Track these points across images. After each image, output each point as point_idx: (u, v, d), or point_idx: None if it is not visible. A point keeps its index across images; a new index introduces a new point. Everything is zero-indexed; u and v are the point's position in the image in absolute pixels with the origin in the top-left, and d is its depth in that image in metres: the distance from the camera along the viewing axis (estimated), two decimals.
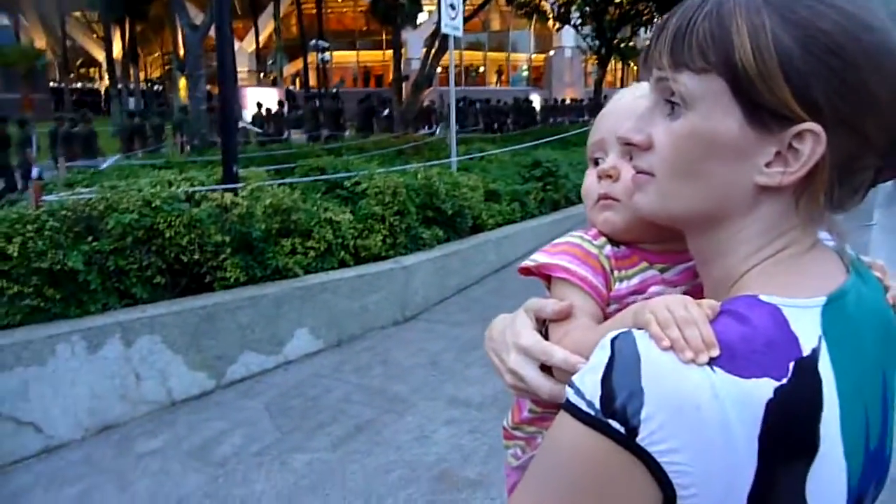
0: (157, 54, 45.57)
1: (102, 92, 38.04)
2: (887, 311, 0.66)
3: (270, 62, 38.26)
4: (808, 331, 0.56)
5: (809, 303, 0.58)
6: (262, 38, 39.00)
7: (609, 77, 31.29)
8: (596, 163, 0.80)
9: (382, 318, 5.06)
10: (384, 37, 33.13)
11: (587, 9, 21.67)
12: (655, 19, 21.26)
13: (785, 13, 0.55)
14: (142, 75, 39.15)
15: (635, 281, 0.74)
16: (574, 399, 0.56)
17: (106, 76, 31.79)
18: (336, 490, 3.05)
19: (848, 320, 0.59)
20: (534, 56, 42.50)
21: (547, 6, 23.49)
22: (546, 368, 0.68)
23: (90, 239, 3.85)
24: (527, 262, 0.78)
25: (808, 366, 0.55)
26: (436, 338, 4.88)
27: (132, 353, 3.79)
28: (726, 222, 0.62)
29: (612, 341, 0.56)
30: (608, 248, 0.76)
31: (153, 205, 4.03)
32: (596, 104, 21.54)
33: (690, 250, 0.68)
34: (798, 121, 0.56)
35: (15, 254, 3.51)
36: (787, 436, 0.53)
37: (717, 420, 0.52)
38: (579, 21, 22.82)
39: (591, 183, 0.79)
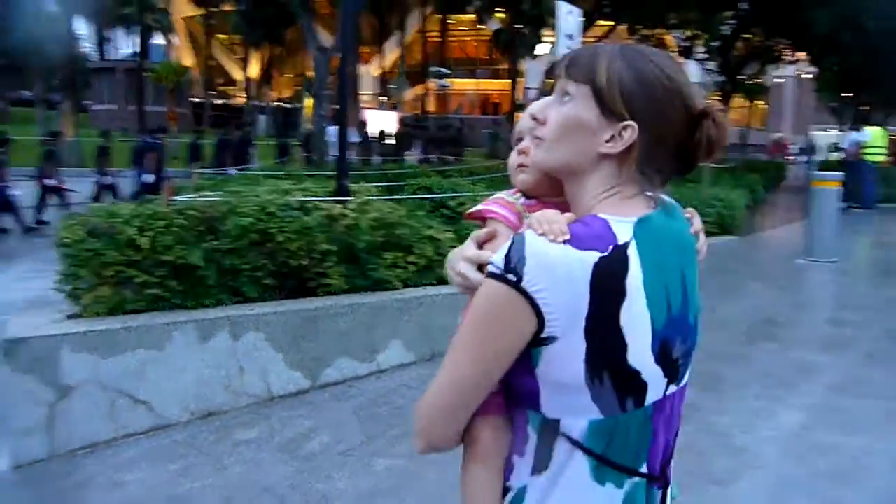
0: (289, 75, 48.38)
1: (240, 108, 40.70)
2: (686, 234, 1.07)
3: (393, 87, 39.66)
4: (623, 233, 0.94)
5: (626, 220, 0.96)
6: (386, 64, 40.54)
7: (732, 115, 30.13)
8: (517, 145, 1.20)
9: None
10: (504, 66, 33.63)
11: (714, 44, 21.06)
12: (786, 56, 20.33)
13: (630, 62, 0.99)
14: (274, 94, 41.64)
15: None
16: (490, 268, 0.94)
17: (243, 93, 34.11)
18: (413, 495, 3.12)
19: (651, 231, 0.97)
20: None
21: (671, 40, 23.04)
22: (481, 271, 1.01)
23: (210, 238, 4.16)
24: (470, 210, 1.19)
25: (621, 249, 0.93)
26: None
27: (238, 347, 4.05)
28: (581, 175, 1.02)
29: (513, 237, 0.95)
30: (522, 199, 1.16)
31: (268, 210, 4.31)
32: None
33: (566, 194, 1.06)
34: (625, 119, 0.97)
35: (146, 246, 3.86)
36: (605, 284, 0.91)
37: (566, 272, 0.90)
38: (705, 56, 22.21)
39: (513, 157, 1.20)
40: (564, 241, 0.91)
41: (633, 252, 0.94)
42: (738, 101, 29.11)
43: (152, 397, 3.81)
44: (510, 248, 0.93)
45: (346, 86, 5.45)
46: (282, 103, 40.45)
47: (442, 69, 28.26)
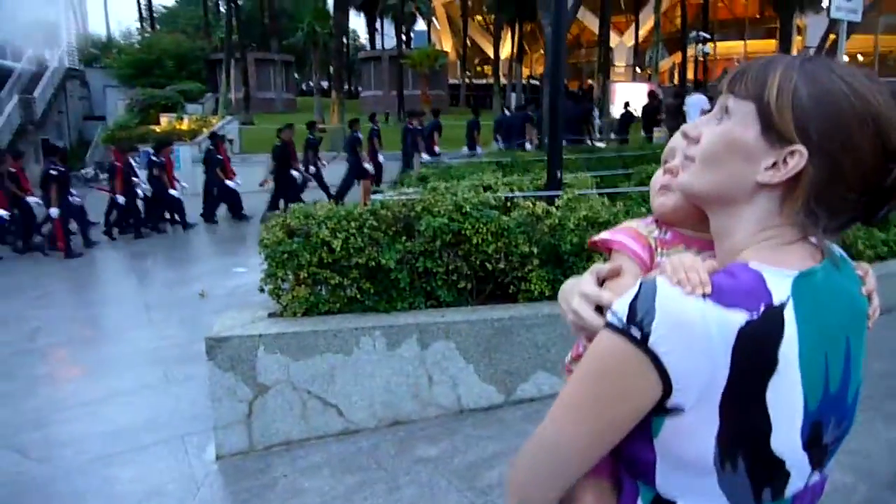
0: (542, 52, 48.28)
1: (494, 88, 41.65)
2: (856, 294, 0.89)
3: (648, 56, 37.47)
4: (780, 290, 0.81)
5: (785, 273, 0.82)
6: (641, 33, 38.40)
7: None
8: (665, 162, 1.03)
9: None
10: (777, 25, 29.76)
11: None
12: None
13: (811, 76, 0.83)
14: (526, 72, 41.83)
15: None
16: (610, 318, 0.82)
17: (499, 72, 34.72)
18: None
19: (814, 290, 0.83)
20: None
21: None
22: (599, 311, 0.92)
23: (405, 239, 4.00)
24: (595, 238, 1.08)
25: (776, 309, 0.79)
26: None
27: (427, 356, 3.85)
28: (732, 208, 0.87)
29: (641, 283, 0.82)
30: (656, 233, 1.05)
31: (463, 210, 4.03)
32: None
33: (711, 230, 0.92)
34: (794, 142, 0.81)
35: (338, 248, 3.81)
36: (752, 353, 0.78)
37: (703, 334, 0.77)
38: None
39: (657, 176, 1.06)
40: (704, 296, 0.78)
41: (790, 315, 0.80)
42: None
43: (341, 401, 3.77)
44: (637, 295, 0.80)
45: (559, 60, 4.95)
46: (533, 80, 40.47)
47: (702, 33, 25.86)
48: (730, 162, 0.86)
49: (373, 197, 4.39)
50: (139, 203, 12.54)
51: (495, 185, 4.62)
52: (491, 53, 47.43)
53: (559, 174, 4.78)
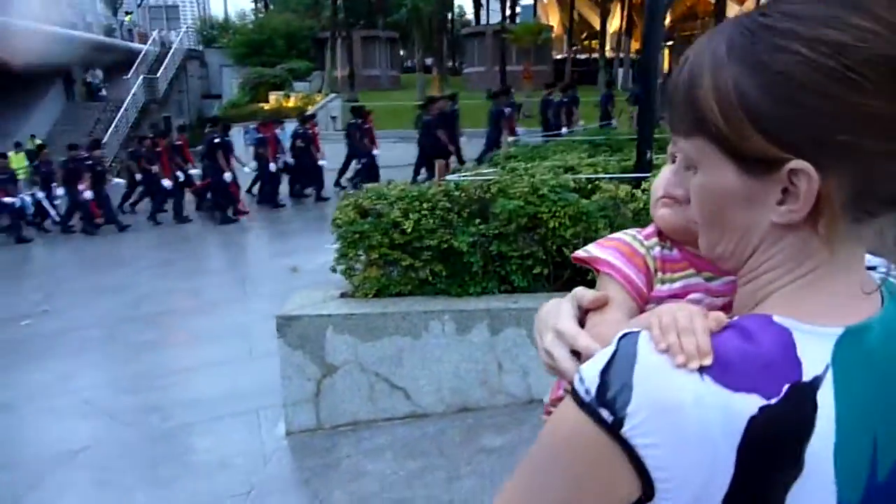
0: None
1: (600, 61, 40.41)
2: None
3: None
4: (815, 357, 0.57)
5: (825, 331, 0.58)
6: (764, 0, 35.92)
7: None
8: (674, 159, 0.76)
9: None
10: None
11: None
12: None
13: (747, 59, 0.57)
14: (635, 45, 40.25)
15: (678, 285, 0.77)
16: (577, 385, 0.59)
17: (606, 47, 33.56)
18: None
19: (868, 354, 0.59)
20: None
21: None
22: (577, 352, 0.70)
23: (478, 221, 3.88)
24: (580, 252, 0.82)
25: (804, 391, 0.56)
26: None
27: (497, 342, 3.73)
28: (754, 255, 0.63)
29: (621, 338, 0.60)
30: (657, 249, 0.79)
31: (540, 193, 3.85)
32: None
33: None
34: (785, 160, 0.57)
35: (409, 229, 3.74)
36: (768, 452, 0.55)
37: (697, 424, 0.55)
38: None
39: (661, 178, 0.80)
40: (702, 370, 0.55)
41: (826, 396, 0.56)
42: None
43: (408, 385, 3.73)
44: (611, 361, 0.59)
45: (654, 30, 4.63)
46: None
47: None
48: (731, 216, 0.63)
49: (447, 177, 4.29)
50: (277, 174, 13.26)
51: (578, 166, 4.40)
52: (598, 27, 45.98)
53: (649, 155, 4.49)
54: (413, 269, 3.85)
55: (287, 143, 13.59)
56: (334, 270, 3.94)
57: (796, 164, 0.56)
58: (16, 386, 4.93)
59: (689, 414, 0.55)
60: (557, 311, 0.74)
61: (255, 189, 13.38)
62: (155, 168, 12.52)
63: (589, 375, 0.59)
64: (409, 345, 3.69)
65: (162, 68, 27.22)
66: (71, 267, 9.82)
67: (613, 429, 0.57)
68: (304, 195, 13.45)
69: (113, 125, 22.81)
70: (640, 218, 3.93)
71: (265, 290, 7.27)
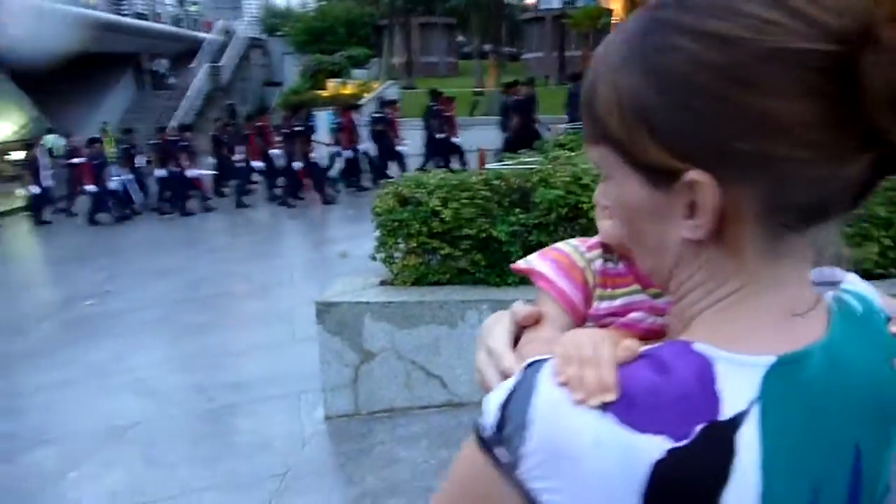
0: None
1: None
2: (884, 375, 0.56)
3: None
4: (737, 392, 0.50)
5: (752, 360, 0.51)
6: None
7: None
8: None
9: None
10: None
11: None
12: None
13: (639, 60, 0.52)
14: None
15: (618, 302, 0.71)
16: (481, 417, 0.54)
17: None
18: None
19: (804, 386, 0.52)
20: None
21: None
22: None
23: (518, 211, 3.83)
24: (521, 263, 0.76)
25: (721, 431, 0.49)
26: None
27: None
28: (675, 274, 0.57)
29: (527, 366, 0.54)
30: (599, 262, 0.73)
31: (582, 182, 3.77)
32: None
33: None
34: (681, 170, 0.50)
35: (448, 218, 3.72)
36: (676, 500, 0.49)
37: (597, 468, 0.49)
38: None
39: (599, 186, 0.70)
40: (604, 407, 0.49)
41: (750, 435, 0.49)
42: None
43: (445, 373, 3.73)
44: (512, 391, 0.53)
45: None
46: None
47: None
48: (645, 230, 0.57)
49: (488, 166, 4.25)
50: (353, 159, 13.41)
51: None
52: None
53: None
54: (452, 258, 3.84)
55: (364, 129, 13.69)
56: (374, 258, 3.97)
57: (694, 174, 0.50)
58: (75, 363, 5.16)
59: (588, 457, 0.49)
60: (494, 325, 0.70)
61: (337, 173, 13.48)
62: (241, 153, 12.87)
63: (489, 409, 0.53)
64: (445, 333, 3.69)
65: (226, 57, 27.89)
66: (137, 249, 10.21)
67: (509, 470, 0.52)
68: (387, 176, 13.48)
69: (181, 112, 23.55)
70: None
71: (314, 274, 7.39)
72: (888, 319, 0.60)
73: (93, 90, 22.79)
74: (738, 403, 0.50)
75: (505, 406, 0.52)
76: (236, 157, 13.05)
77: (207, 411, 4.17)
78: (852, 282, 0.61)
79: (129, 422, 4.09)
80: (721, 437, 0.49)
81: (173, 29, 29.70)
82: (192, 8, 37.06)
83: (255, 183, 13.06)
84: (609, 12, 33.86)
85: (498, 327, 0.68)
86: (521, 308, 0.69)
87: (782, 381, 0.51)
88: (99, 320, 6.28)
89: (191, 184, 12.58)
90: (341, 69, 25.11)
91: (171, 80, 27.79)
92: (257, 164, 12.75)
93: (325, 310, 3.72)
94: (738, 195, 0.50)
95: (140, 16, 27.37)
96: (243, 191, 12.72)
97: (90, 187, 12.17)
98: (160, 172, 12.69)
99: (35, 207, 12.90)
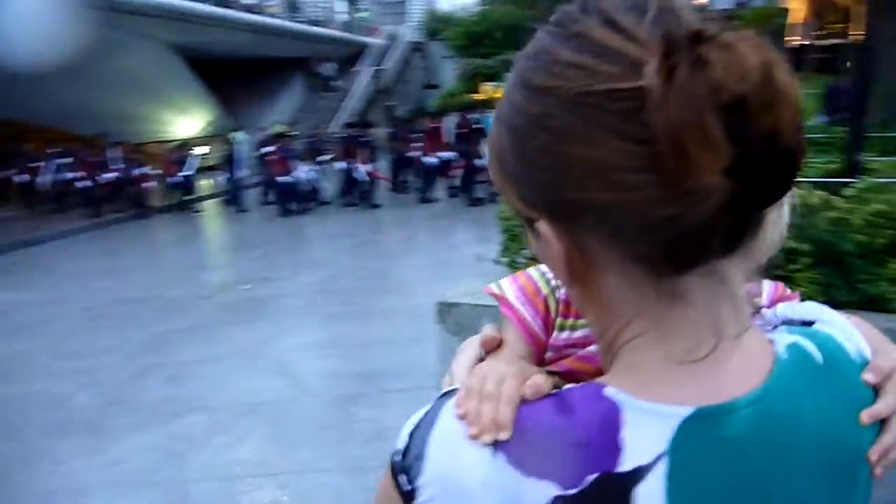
0: None
1: (850, 47, 35.99)
2: (841, 429, 0.51)
3: None
4: (644, 443, 0.47)
5: (666, 410, 0.48)
6: None
7: None
8: None
9: None
10: None
11: None
12: None
13: (501, 110, 0.52)
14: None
15: (578, 333, 0.68)
16: (397, 442, 0.54)
17: (859, 29, 29.82)
18: None
19: (727, 443, 0.47)
20: None
21: None
22: None
23: None
24: (492, 286, 0.74)
25: (616, 484, 0.46)
26: None
27: None
28: (588, 312, 0.56)
29: (441, 395, 0.54)
30: (562, 291, 0.69)
31: None
32: None
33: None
34: (536, 221, 0.51)
35: None
36: None
37: None
38: None
39: None
40: (497, 446, 0.48)
41: (653, 491, 0.46)
42: None
43: None
44: (421, 419, 0.54)
45: (876, 10, 4.04)
46: None
47: None
48: (553, 270, 0.55)
49: None
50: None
51: None
52: (851, 7, 40.73)
53: (858, 158, 3.96)
54: None
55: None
56: (497, 262, 4.01)
57: (539, 225, 0.50)
58: (226, 342, 5.67)
59: (476, 497, 0.47)
60: (465, 348, 0.70)
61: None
62: (416, 150, 13.49)
63: (403, 434, 0.54)
64: None
65: (388, 60, 29.17)
66: (294, 240, 10.97)
67: (408, 499, 0.52)
68: None
69: (343, 114, 24.96)
70: (838, 228, 3.49)
71: (448, 274, 7.55)
72: (865, 365, 0.54)
73: (267, 92, 24.76)
74: (643, 456, 0.47)
75: (413, 434, 0.53)
76: (411, 153, 13.61)
77: (334, 398, 4.43)
78: (827, 322, 0.56)
79: (265, 399, 4.44)
80: (615, 490, 0.46)
81: (342, 34, 31.50)
82: (362, 14, 39.06)
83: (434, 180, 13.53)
84: (784, 12, 31.48)
85: (467, 351, 0.68)
86: (487, 333, 0.70)
87: (698, 435, 0.47)
88: (252, 304, 6.85)
89: (373, 179, 13.28)
90: (497, 73, 25.38)
91: (338, 83, 29.51)
92: (431, 160, 13.24)
93: (445, 310, 3.81)
94: (590, 242, 0.48)
95: (314, 22, 29.27)
96: (428, 187, 13.23)
97: (282, 178, 13.13)
98: (340, 165, 13.45)
99: (231, 196, 14.26)
